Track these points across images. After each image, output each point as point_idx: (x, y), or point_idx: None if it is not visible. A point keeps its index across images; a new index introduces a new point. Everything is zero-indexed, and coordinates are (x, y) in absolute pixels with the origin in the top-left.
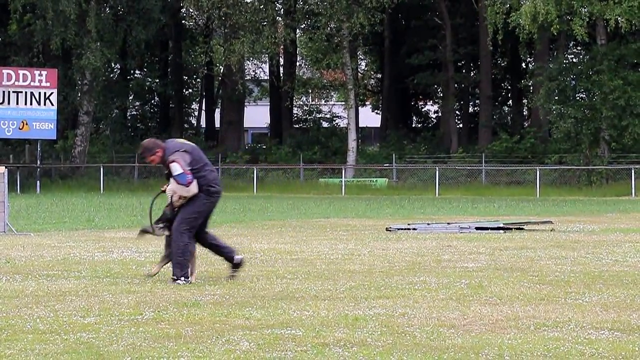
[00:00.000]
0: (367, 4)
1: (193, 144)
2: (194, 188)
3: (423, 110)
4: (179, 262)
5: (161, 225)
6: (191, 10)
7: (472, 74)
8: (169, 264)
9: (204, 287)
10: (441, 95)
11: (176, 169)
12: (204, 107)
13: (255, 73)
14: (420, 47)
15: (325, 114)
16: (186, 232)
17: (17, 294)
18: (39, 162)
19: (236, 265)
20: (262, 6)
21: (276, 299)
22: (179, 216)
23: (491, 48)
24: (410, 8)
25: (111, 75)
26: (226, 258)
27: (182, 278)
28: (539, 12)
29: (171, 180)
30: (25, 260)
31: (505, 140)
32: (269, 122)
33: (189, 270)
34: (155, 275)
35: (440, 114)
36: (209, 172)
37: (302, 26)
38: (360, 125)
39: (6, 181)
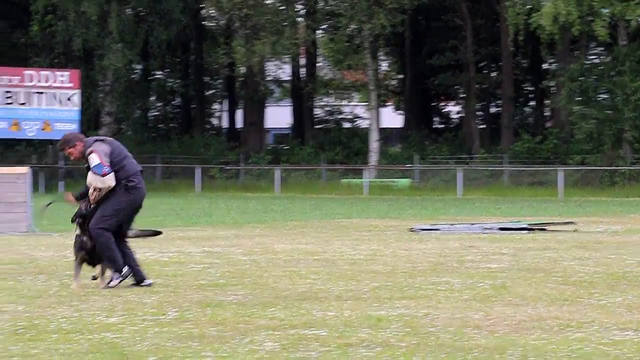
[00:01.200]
0: (388, 5)
1: (113, 139)
2: (109, 181)
3: (445, 110)
4: (109, 257)
5: (76, 222)
6: (212, 11)
7: (493, 75)
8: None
9: (227, 288)
10: (463, 95)
11: (94, 159)
12: (225, 108)
13: (277, 74)
14: (442, 48)
15: (347, 115)
16: (103, 230)
17: (41, 294)
18: (62, 163)
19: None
20: (283, 7)
21: (299, 299)
22: (97, 213)
23: (512, 49)
24: (431, 9)
25: (133, 76)
26: (137, 277)
27: (116, 274)
28: (560, 13)
29: (89, 173)
30: (48, 260)
31: (527, 141)
32: (291, 122)
33: (117, 265)
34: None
35: (462, 115)
36: (129, 165)
37: (323, 27)
38: (382, 125)
39: (30, 182)
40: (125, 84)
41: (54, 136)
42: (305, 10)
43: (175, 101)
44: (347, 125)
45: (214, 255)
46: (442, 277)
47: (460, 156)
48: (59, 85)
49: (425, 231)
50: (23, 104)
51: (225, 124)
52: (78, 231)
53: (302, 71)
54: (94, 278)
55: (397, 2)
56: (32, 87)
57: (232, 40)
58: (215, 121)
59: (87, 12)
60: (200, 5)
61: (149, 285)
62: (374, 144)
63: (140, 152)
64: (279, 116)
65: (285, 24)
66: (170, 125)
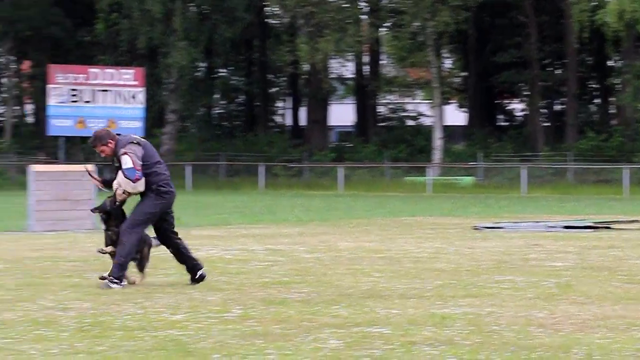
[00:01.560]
0: (452, 2)
1: (146, 140)
2: (140, 186)
3: (508, 108)
4: (121, 263)
5: (98, 214)
6: (276, 8)
7: (557, 72)
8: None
9: (291, 285)
10: (527, 93)
11: (127, 161)
12: (289, 106)
13: (340, 71)
14: (505, 45)
15: (411, 112)
16: (135, 233)
17: (106, 291)
18: None
19: (197, 280)
20: (347, 4)
21: (363, 297)
22: (131, 216)
23: (577, 46)
24: (495, 6)
25: (197, 74)
26: (189, 269)
27: (117, 281)
28: (625, 10)
29: (119, 173)
30: None
31: (592, 139)
32: (354, 120)
33: (134, 269)
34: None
35: (526, 112)
36: (160, 170)
37: (387, 24)
38: (446, 123)
39: None
40: (190, 82)
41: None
42: (369, 7)
43: (239, 99)
44: (410, 122)
45: (278, 252)
46: (506, 276)
47: (525, 154)
48: (124, 83)
49: (489, 229)
50: (88, 101)
51: (288, 121)
52: (104, 226)
53: (366, 69)
54: (103, 278)
55: (461, 0)
56: (97, 85)
57: (295, 37)
58: (279, 119)
59: (152, 10)
60: (264, 3)
61: (203, 277)
62: (438, 142)
63: (204, 149)
64: (342, 114)
65: (349, 21)
66: (234, 123)
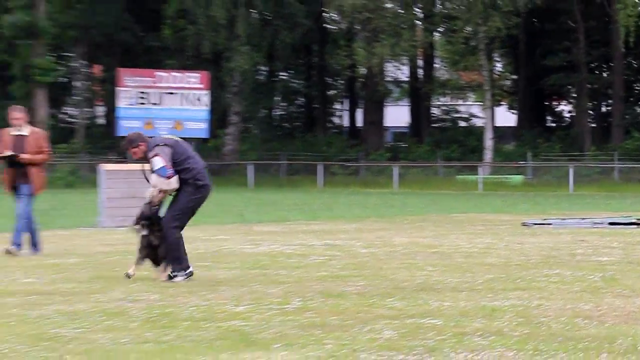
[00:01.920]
0: (503, 8)
1: (177, 139)
2: (174, 183)
3: (557, 110)
4: (176, 257)
5: (140, 224)
6: (334, 15)
7: (604, 75)
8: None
9: (348, 279)
10: (574, 95)
11: (157, 162)
12: (346, 108)
13: (396, 75)
14: (554, 49)
15: (463, 114)
16: (176, 228)
17: (173, 284)
18: None
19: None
20: (402, 10)
21: (417, 290)
22: (168, 212)
23: (623, 50)
24: (544, 11)
25: (259, 77)
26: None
27: (182, 272)
28: None
29: (152, 176)
30: None
31: (637, 139)
32: (409, 121)
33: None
34: (133, 277)
35: (573, 114)
36: (193, 165)
37: (440, 29)
38: (496, 124)
39: None
40: (252, 85)
41: (185, 134)
42: (423, 13)
43: (299, 101)
44: (462, 123)
45: (335, 247)
46: (554, 270)
47: (572, 154)
48: (190, 86)
49: (537, 225)
50: (155, 104)
51: (346, 122)
52: (145, 232)
53: (420, 72)
54: (128, 276)
55: (512, 5)
56: (164, 88)
57: (353, 42)
58: (336, 120)
59: (216, 17)
60: (323, 10)
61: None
62: (489, 142)
63: (265, 149)
64: (397, 115)
65: (404, 26)
66: (294, 124)
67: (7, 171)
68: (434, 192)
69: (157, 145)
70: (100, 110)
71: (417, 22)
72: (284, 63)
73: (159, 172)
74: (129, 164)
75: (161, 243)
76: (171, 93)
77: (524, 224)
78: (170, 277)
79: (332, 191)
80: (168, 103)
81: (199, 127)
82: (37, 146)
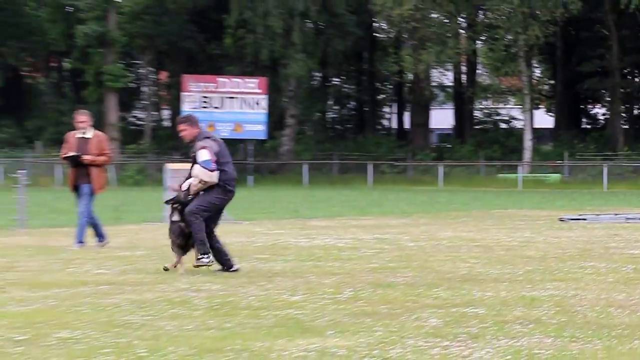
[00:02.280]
0: (542, 18)
1: (222, 141)
2: (215, 177)
3: (592, 112)
4: (201, 239)
5: (173, 207)
6: (383, 24)
7: (637, 80)
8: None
9: (396, 270)
10: (608, 99)
11: (204, 155)
12: (394, 111)
13: (441, 80)
14: (589, 56)
15: (503, 116)
16: (196, 217)
17: (234, 274)
18: (250, 159)
19: (233, 270)
20: (447, 20)
21: (461, 281)
22: (195, 201)
23: None
24: (580, 21)
25: (313, 83)
26: (223, 264)
27: (205, 256)
28: None
29: (196, 166)
30: (240, 245)
31: None
32: (453, 123)
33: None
34: (171, 268)
35: (607, 116)
36: (229, 170)
37: (483, 38)
38: (535, 126)
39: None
40: (306, 90)
41: (244, 136)
42: (466, 23)
43: (350, 105)
44: (503, 125)
45: (385, 241)
46: (589, 262)
47: (606, 153)
48: (249, 91)
49: (573, 221)
50: (217, 107)
51: (394, 124)
52: (176, 217)
53: (464, 77)
54: (166, 269)
55: (550, 15)
56: (226, 92)
57: (401, 50)
58: (385, 122)
59: (273, 26)
60: (373, 20)
61: (237, 269)
62: (528, 143)
63: (319, 150)
64: (442, 118)
65: (448, 35)
66: (346, 126)
67: (71, 171)
68: (477, 189)
69: (208, 138)
70: (166, 113)
71: (461, 31)
72: (336, 69)
73: (204, 164)
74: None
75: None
76: (232, 97)
77: (560, 219)
78: (198, 259)
79: (381, 189)
80: (229, 107)
81: (258, 129)
82: (99, 148)
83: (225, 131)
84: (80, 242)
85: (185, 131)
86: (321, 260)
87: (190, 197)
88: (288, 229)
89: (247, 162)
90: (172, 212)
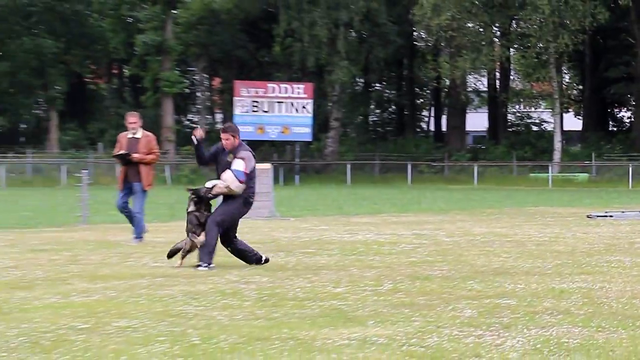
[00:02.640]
0: (571, 27)
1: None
2: (240, 189)
3: (618, 116)
4: (209, 251)
5: (191, 197)
6: (422, 33)
7: None
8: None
9: (433, 264)
10: (634, 103)
11: (240, 165)
12: (432, 114)
13: (476, 85)
14: (616, 63)
15: (535, 119)
16: (218, 227)
17: (281, 267)
18: (297, 160)
19: (263, 262)
20: (482, 29)
21: (494, 274)
22: (218, 210)
23: None
24: (607, 30)
25: (356, 88)
26: (253, 261)
27: (207, 264)
28: None
29: (227, 171)
30: (287, 240)
31: None
32: (487, 126)
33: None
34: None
35: (633, 119)
36: (254, 185)
37: (516, 46)
38: (565, 128)
39: (271, 175)
40: (350, 95)
41: (292, 138)
42: (500, 32)
43: (391, 108)
44: (534, 128)
45: (422, 236)
46: (615, 256)
47: (631, 154)
48: (296, 96)
49: (600, 217)
50: (266, 111)
51: (432, 127)
52: (192, 208)
53: (497, 83)
54: (197, 266)
55: (579, 25)
56: (274, 97)
57: (438, 57)
58: (423, 125)
59: (319, 36)
60: (413, 29)
61: (267, 260)
62: (558, 144)
63: (361, 151)
64: (477, 121)
65: (483, 43)
66: (387, 128)
67: (122, 170)
68: (509, 188)
69: (249, 151)
70: (219, 117)
71: (495, 39)
72: (378, 75)
73: (237, 174)
74: None
75: (204, 228)
76: (280, 102)
77: (588, 216)
78: (197, 266)
79: (420, 187)
80: (277, 111)
81: (304, 132)
82: (148, 147)
83: (273, 133)
84: (139, 237)
85: (228, 140)
86: (363, 254)
87: (210, 195)
88: (332, 224)
89: (294, 162)
90: (189, 203)
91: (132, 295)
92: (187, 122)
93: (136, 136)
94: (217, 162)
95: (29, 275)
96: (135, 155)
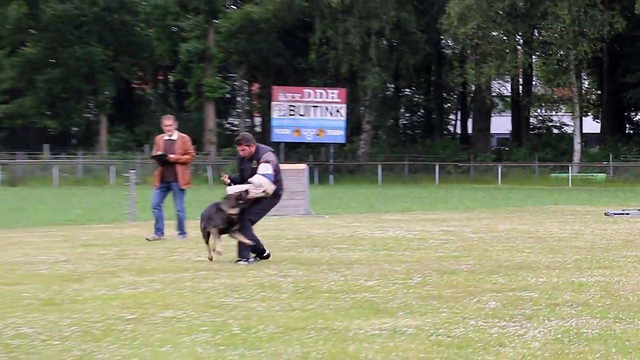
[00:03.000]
0: (590, 35)
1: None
2: (273, 188)
3: (635, 119)
4: (250, 246)
5: (240, 203)
6: (449, 41)
7: None
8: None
9: (459, 259)
10: None
11: (267, 168)
12: (459, 117)
13: (500, 90)
14: (633, 69)
15: (555, 123)
16: (250, 222)
17: (316, 262)
18: (331, 161)
19: (265, 258)
20: (506, 38)
21: (517, 268)
22: (253, 209)
23: None
24: (624, 38)
25: (387, 93)
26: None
27: (246, 260)
28: None
29: (260, 177)
30: (321, 236)
31: None
32: (511, 129)
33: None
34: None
35: None
36: (281, 179)
37: (537, 53)
38: (584, 131)
39: (307, 175)
40: (381, 99)
41: (326, 140)
42: (523, 40)
43: (420, 112)
44: (555, 131)
45: (449, 233)
46: (631, 251)
47: None
48: (330, 100)
49: (617, 215)
50: (302, 115)
51: (458, 130)
52: (234, 211)
53: (520, 88)
54: (237, 261)
55: (598, 33)
56: (310, 102)
57: (464, 64)
58: (450, 128)
59: (352, 43)
60: (441, 37)
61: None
62: (577, 146)
63: (392, 152)
64: (501, 124)
65: (507, 51)
66: (416, 131)
67: (159, 170)
68: (531, 187)
69: (269, 151)
70: (257, 120)
71: (518, 47)
72: (407, 81)
73: (268, 177)
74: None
75: (239, 225)
76: (315, 106)
77: (606, 214)
78: (237, 261)
79: (447, 187)
80: (312, 114)
81: (338, 134)
82: (184, 148)
83: (309, 136)
84: (182, 233)
85: (245, 150)
86: (393, 249)
87: (242, 202)
88: (364, 222)
89: (328, 163)
90: (234, 207)
91: (177, 287)
92: (228, 125)
93: (172, 138)
94: (242, 170)
95: (80, 268)
96: (171, 156)
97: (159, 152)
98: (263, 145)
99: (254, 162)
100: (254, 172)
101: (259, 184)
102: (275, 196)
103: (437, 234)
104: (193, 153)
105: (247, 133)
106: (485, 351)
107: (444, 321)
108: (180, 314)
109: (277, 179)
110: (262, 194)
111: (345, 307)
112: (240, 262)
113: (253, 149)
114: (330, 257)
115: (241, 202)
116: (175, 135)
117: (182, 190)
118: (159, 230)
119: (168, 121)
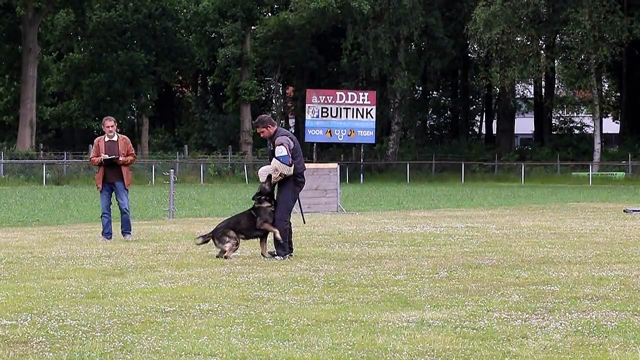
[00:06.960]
0: (610, 40)
1: (295, 138)
2: (291, 170)
3: None
4: (282, 243)
5: (263, 198)
6: (475, 46)
7: None
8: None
9: (484, 254)
10: None
11: (283, 151)
12: (484, 119)
13: (523, 92)
14: None
15: (577, 124)
16: (285, 222)
17: (347, 257)
18: (362, 160)
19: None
20: (529, 42)
21: (539, 262)
22: (280, 207)
23: None
24: None
25: (415, 95)
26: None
27: (282, 254)
28: None
29: (275, 160)
30: (352, 232)
31: None
32: (534, 129)
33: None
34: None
35: None
36: (299, 164)
37: (559, 57)
38: (604, 131)
39: (338, 174)
40: (409, 102)
41: (357, 140)
42: (546, 44)
43: (446, 114)
44: (576, 131)
45: (474, 229)
46: None
47: None
48: (361, 102)
49: (636, 212)
50: (334, 116)
51: (483, 130)
52: (266, 204)
53: (543, 90)
54: (272, 255)
55: (617, 38)
56: (341, 104)
57: (489, 67)
58: (476, 129)
59: (382, 48)
60: (467, 42)
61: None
62: (597, 146)
63: (420, 152)
64: (524, 125)
65: (530, 55)
66: (442, 132)
67: (101, 171)
68: (553, 185)
69: (286, 135)
70: (292, 122)
71: (541, 51)
72: (434, 84)
73: (283, 159)
74: (313, 164)
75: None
76: (347, 108)
77: (625, 211)
78: (273, 255)
79: (472, 185)
80: (344, 116)
81: (368, 135)
82: (126, 149)
83: (340, 136)
84: (128, 232)
85: (264, 132)
86: (420, 245)
87: (269, 188)
88: (393, 218)
89: (359, 162)
90: (262, 202)
91: (213, 281)
92: None
93: (113, 139)
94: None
95: (121, 263)
96: (121, 158)
97: (112, 156)
98: (283, 129)
99: (271, 144)
100: (273, 154)
101: (274, 168)
102: (296, 184)
103: (462, 230)
104: (134, 154)
105: (265, 115)
106: (508, 343)
107: (469, 314)
108: (216, 307)
109: (295, 161)
110: (280, 177)
111: (374, 300)
112: (276, 257)
113: (272, 129)
114: (360, 253)
115: (266, 197)
116: (116, 137)
117: (127, 190)
118: (108, 234)
119: (110, 122)
